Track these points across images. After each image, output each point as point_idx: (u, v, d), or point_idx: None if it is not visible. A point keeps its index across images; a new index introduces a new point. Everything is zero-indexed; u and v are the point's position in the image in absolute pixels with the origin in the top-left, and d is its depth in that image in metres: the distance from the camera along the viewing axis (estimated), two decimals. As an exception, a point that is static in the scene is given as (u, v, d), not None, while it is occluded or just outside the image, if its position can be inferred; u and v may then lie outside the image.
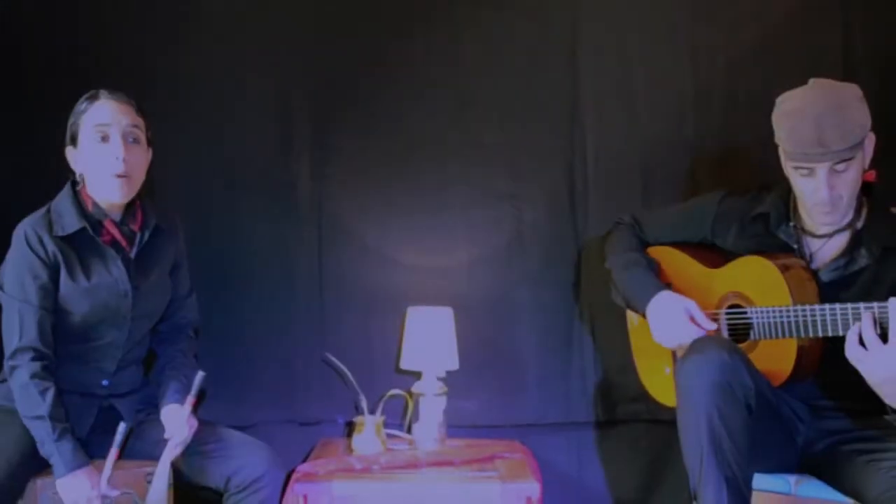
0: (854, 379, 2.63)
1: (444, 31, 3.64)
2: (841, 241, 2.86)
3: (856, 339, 2.56)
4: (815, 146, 2.66)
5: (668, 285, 3.07)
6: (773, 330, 2.81)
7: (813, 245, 2.89)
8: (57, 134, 2.94)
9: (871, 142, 2.78)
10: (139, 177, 2.94)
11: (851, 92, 2.75)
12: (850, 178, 2.74)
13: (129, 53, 3.52)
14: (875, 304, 2.56)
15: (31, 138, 3.31)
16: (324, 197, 3.62)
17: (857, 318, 2.59)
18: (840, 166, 2.70)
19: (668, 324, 2.96)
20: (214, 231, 3.57)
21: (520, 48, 3.64)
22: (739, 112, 3.56)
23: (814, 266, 2.87)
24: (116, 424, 2.88)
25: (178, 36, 3.57)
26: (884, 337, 2.52)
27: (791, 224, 2.92)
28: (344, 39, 3.61)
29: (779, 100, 2.81)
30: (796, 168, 2.75)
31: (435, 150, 3.65)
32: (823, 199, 2.73)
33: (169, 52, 3.56)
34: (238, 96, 3.60)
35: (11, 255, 2.89)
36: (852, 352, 2.56)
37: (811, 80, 2.80)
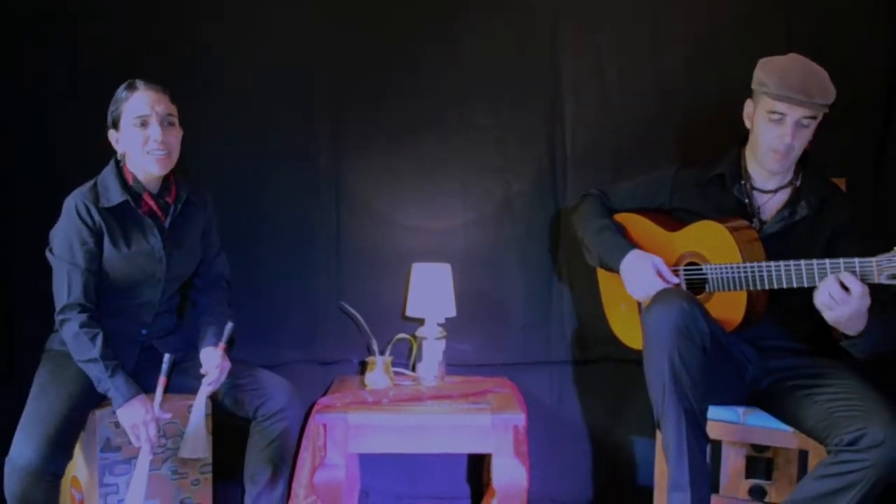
0: (795, 324, 2.63)
1: (445, 27, 3.59)
2: (783, 196, 2.91)
3: (825, 293, 2.52)
4: (801, 93, 2.70)
5: (635, 245, 3.04)
6: (725, 284, 2.80)
7: (761, 199, 2.93)
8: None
9: (818, 121, 2.81)
10: (175, 153, 2.91)
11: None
12: (805, 136, 2.79)
13: (170, 43, 3.48)
14: (814, 261, 2.56)
15: (86, 121, 3.24)
16: (340, 168, 3.58)
17: (798, 273, 2.59)
18: (805, 121, 2.75)
19: (639, 278, 2.93)
20: (246, 198, 3.54)
21: (508, 42, 3.59)
22: (699, 96, 3.52)
23: (763, 217, 2.90)
24: (157, 362, 2.91)
25: (212, 27, 3.51)
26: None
27: (742, 182, 2.93)
28: (359, 34, 3.56)
29: (763, 60, 2.84)
30: (770, 112, 2.77)
31: (436, 129, 3.61)
32: (784, 145, 2.76)
33: (205, 42, 3.50)
34: (267, 83, 3.55)
35: (62, 222, 2.88)
36: (824, 300, 2.53)
37: (791, 54, 2.85)
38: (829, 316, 2.55)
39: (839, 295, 2.49)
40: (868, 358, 2.68)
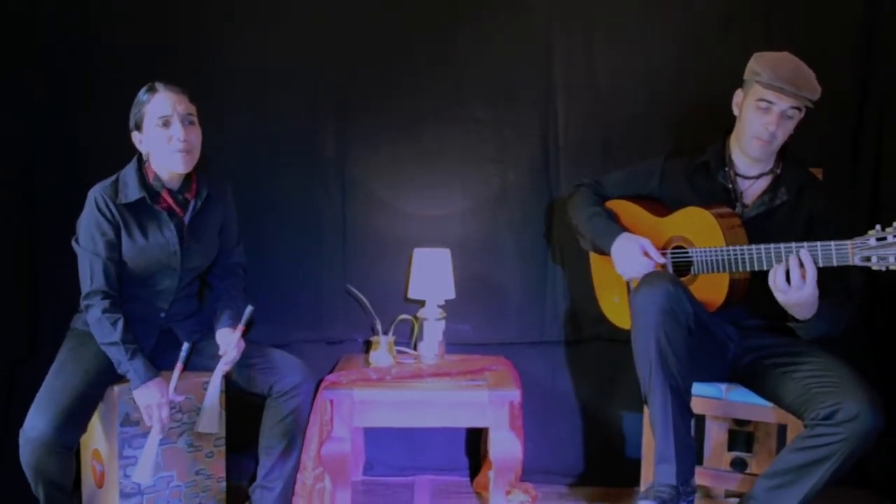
0: (773, 305, 2.64)
1: (446, 26, 3.58)
2: (764, 183, 2.93)
3: (781, 275, 2.56)
4: (790, 84, 2.72)
5: (625, 229, 3.05)
6: (709, 266, 2.81)
7: (744, 185, 2.95)
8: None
9: (801, 115, 2.83)
10: (197, 151, 2.92)
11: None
12: (788, 128, 2.82)
13: (184, 42, 3.49)
14: (793, 245, 2.57)
15: (103, 116, 3.25)
16: (346, 160, 3.59)
17: (778, 255, 2.60)
18: (791, 112, 2.78)
19: (629, 259, 2.94)
20: (259, 187, 3.54)
21: (506, 41, 3.59)
22: (684, 92, 3.51)
23: (745, 201, 2.92)
24: (175, 343, 2.95)
25: (224, 27, 3.52)
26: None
27: (726, 169, 2.95)
28: (364, 31, 3.56)
29: (758, 54, 2.85)
30: (759, 101, 2.79)
31: (437, 121, 3.61)
32: (768, 133, 2.78)
33: (216, 41, 3.51)
34: (277, 79, 3.55)
35: (85, 214, 2.90)
36: (778, 284, 2.57)
37: (784, 52, 2.86)
38: (780, 298, 2.59)
39: (796, 280, 2.53)
40: (812, 341, 2.74)
